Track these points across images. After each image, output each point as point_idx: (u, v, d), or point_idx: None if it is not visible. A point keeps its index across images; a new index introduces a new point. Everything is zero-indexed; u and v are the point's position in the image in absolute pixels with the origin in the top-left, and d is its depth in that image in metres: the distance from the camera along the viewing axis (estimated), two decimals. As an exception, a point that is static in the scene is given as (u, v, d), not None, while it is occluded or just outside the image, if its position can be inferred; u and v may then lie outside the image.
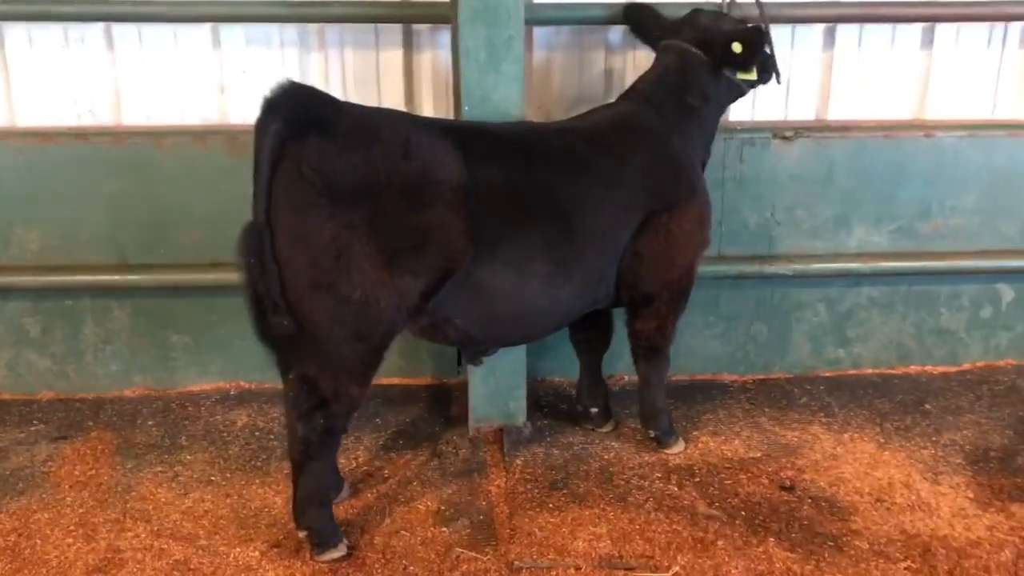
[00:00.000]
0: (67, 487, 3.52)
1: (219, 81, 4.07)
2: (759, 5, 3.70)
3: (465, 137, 2.99)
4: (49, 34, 3.96)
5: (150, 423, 4.00)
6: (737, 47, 3.41)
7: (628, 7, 3.75)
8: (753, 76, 3.50)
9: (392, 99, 4.14)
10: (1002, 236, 4.28)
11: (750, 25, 3.51)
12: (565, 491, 3.50)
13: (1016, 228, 4.28)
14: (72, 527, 3.28)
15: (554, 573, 3.04)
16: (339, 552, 3.09)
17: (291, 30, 4.03)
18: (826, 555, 3.13)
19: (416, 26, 4.07)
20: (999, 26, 4.25)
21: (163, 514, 3.36)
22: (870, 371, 4.48)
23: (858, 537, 3.24)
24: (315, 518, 3.07)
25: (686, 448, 3.81)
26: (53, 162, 3.90)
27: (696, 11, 3.62)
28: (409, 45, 4.11)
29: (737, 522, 3.32)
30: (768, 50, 3.58)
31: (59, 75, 4.00)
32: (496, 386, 3.86)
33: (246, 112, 4.09)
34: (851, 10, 4.10)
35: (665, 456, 3.76)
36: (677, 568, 3.07)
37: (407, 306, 2.90)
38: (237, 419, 4.02)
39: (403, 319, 2.93)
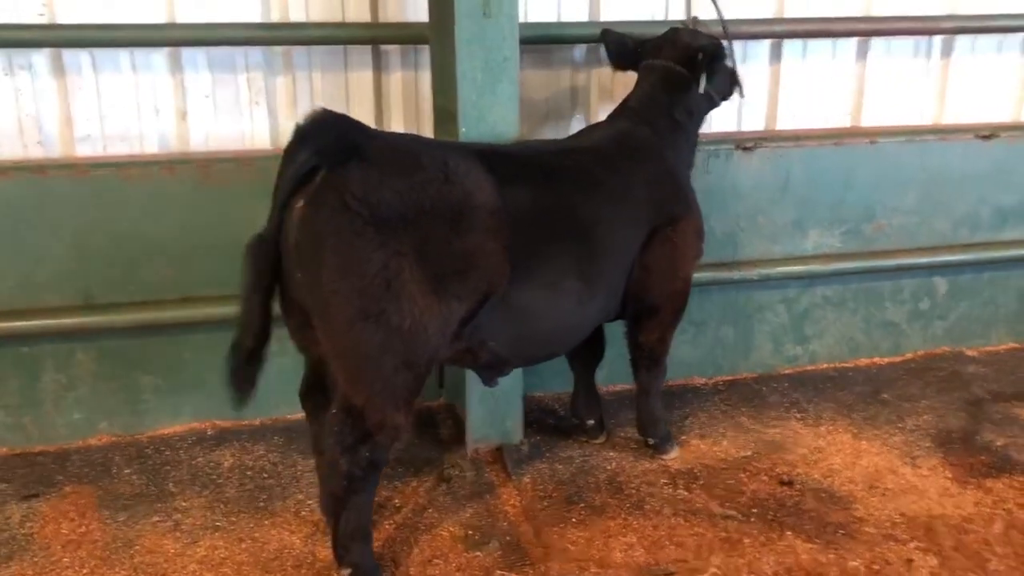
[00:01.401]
0: (59, 548, 3.32)
1: (180, 107, 3.95)
2: (722, 22, 3.93)
3: (492, 160, 3.05)
4: (-9, 61, 3.74)
5: (127, 471, 3.82)
6: (699, 56, 3.62)
7: (605, 31, 3.89)
8: (708, 88, 3.69)
9: (363, 119, 4.07)
10: (936, 233, 4.69)
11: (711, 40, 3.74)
12: (582, 505, 3.60)
13: (948, 225, 4.70)
14: (82, 590, 3.12)
15: (597, 586, 3.15)
16: (376, 586, 3.07)
17: (256, 53, 3.96)
18: (842, 543, 3.36)
19: (384, 47, 4.08)
20: (924, 39, 4.66)
21: (178, 566, 3.23)
22: (825, 366, 4.80)
23: (864, 523, 3.49)
24: (359, 554, 3.04)
25: (680, 453, 3.99)
26: (8, 198, 3.67)
27: (675, 30, 3.81)
28: (379, 66, 4.11)
29: (752, 519, 3.51)
30: (731, 64, 3.82)
31: (2, 105, 3.77)
32: (494, 406, 3.91)
33: (209, 139, 3.99)
34: (795, 26, 4.42)
35: (664, 462, 3.92)
36: (714, 569, 3.22)
37: (450, 331, 2.93)
38: (222, 460, 3.89)
39: (445, 345, 2.96)
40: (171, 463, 3.88)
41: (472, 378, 3.81)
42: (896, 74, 4.68)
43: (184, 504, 3.60)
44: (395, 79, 4.13)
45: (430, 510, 3.58)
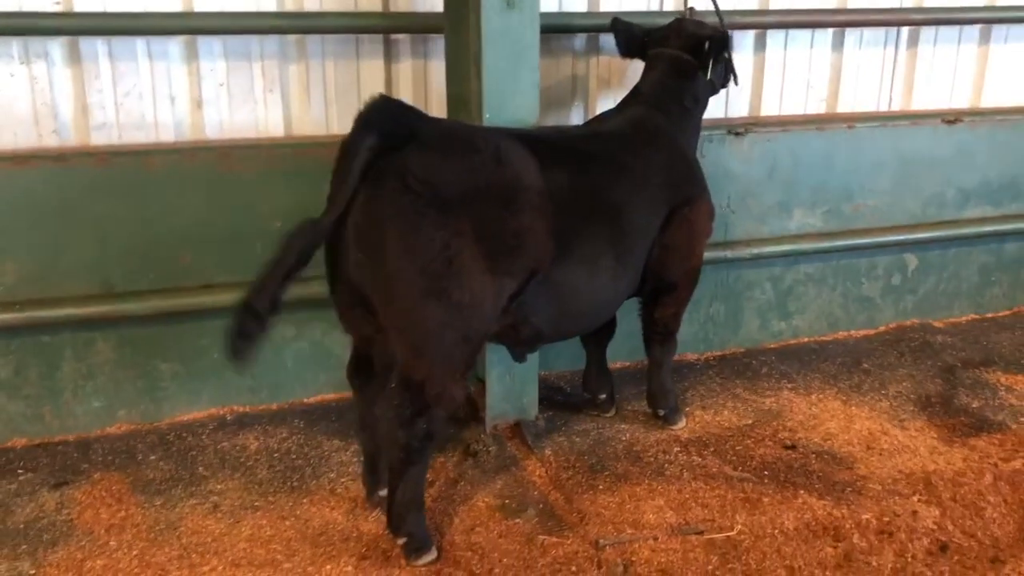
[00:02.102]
0: (103, 532, 3.38)
1: (196, 95, 4.01)
2: (718, 12, 4.18)
3: (532, 144, 3.22)
4: (7, 49, 3.73)
5: (153, 457, 3.88)
6: (707, 45, 3.85)
7: (615, 20, 4.09)
8: (711, 77, 3.94)
9: (373, 109, 4.24)
10: (908, 212, 5.04)
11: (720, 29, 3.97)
12: (606, 473, 3.81)
13: (918, 204, 5.05)
14: (137, 570, 3.18)
15: (636, 545, 3.35)
16: (432, 555, 3.22)
17: (271, 41, 4.04)
18: (851, 499, 3.64)
19: (394, 36, 4.21)
20: (892, 30, 5.00)
21: (227, 544, 3.32)
22: (807, 340, 5.10)
23: (869, 480, 3.78)
24: (414, 523, 3.18)
25: (687, 423, 4.23)
26: (28, 187, 3.69)
27: (680, 20, 4.04)
28: (389, 55, 4.23)
29: (766, 481, 3.77)
30: (727, 55, 4.06)
31: (19, 94, 3.78)
32: (511, 384, 4.08)
33: (224, 127, 4.06)
34: (778, 18, 4.70)
35: (674, 432, 4.15)
36: (740, 526, 3.46)
37: (500, 307, 3.10)
38: (247, 444, 3.98)
39: (496, 319, 3.12)
40: (196, 448, 3.95)
41: (491, 359, 3.99)
42: (868, 63, 5.01)
43: (219, 487, 3.68)
44: (405, 68, 4.25)
45: (462, 483, 3.74)
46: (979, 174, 5.12)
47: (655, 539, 3.38)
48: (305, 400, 4.31)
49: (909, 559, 3.32)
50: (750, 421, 4.27)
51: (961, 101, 5.25)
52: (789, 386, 4.61)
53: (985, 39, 5.19)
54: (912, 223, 5.04)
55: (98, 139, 3.91)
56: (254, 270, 3.93)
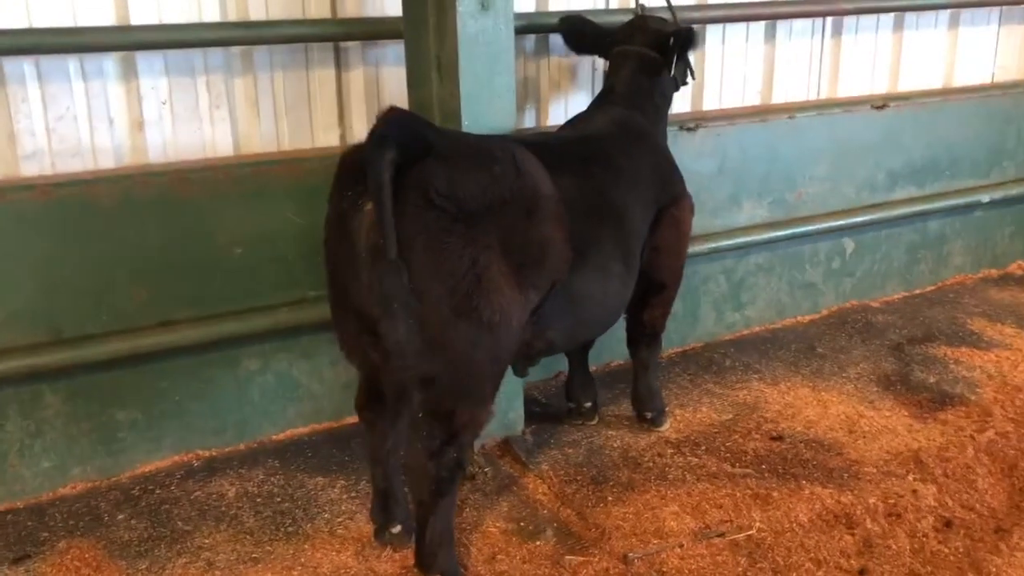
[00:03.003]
0: (90, 607, 3.07)
1: (136, 116, 3.69)
2: (671, 8, 4.19)
3: (536, 150, 3.12)
4: (-82, 74, 3.34)
5: (121, 516, 3.55)
6: (672, 41, 3.85)
7: (564, 18, 4.04)
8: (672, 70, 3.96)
9: (325, 119, 4.04)
10: (844, 197, 5.22)
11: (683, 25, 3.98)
12: (611, 483, 3.75)
13: (853, 189, 5.24)
14: (145, 646, 2.90)
15: (664, 555, 3.31)
16: (462, 588, 3.09)
17: (215, 54, 3.77)
18: (851, 484, 3.72)
19: (344, 44, 4.01)
20: (819, 20, 5.16)
21: (236, 604, 3.08)
22: (759, 329, 5.21)
23: (862, 464, 3.88)
24: (445, 560, 3.04)
25: (670, 423, 4.23)
26: (-40, 229, 3.31)
27: (643, 17, 4.02)
28: (339, 64, 4.03)
29: (767, 474, 3.81)
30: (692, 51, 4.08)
31: (-66, 123, 3.39)
32: (498, 400, 3.95)
33: (168, 149, 3.76)
34: (721, 12, 4.77)
35: (661, 433, 4.14)
36: (758, 524, 3.48)
37: (524, 321, 2.99)
38: (223, 491, 3.70)
39: (520, 335, 3.01)
40: (168, 501, 3.64)
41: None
42: (798, 53, 5.15)
43: (206, 541, 3.41)
44: (356, 76, 4.06)
45: (467, 509, 3.59)
46: (904, 156, 5.36)
47: (681, 546, 3.35)
48: (274, 437, 4.06)
49: (922, 538, 3.43)
50: (730, 416, 4.31)
51: (880, 86, 5.48)
52: (756, 377, 4.69)
53: (899, 26, 5.43)
54: (849, 208, 5.22)
55: (28, 169, 3.54)
56: (214, 302, 3.71)
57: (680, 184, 3.79)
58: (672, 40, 3.85)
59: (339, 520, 3.53)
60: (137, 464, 3.80)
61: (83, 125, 3.60)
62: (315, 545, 3.38)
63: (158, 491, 3.71)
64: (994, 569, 3.24)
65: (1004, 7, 5.73)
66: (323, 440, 4.07)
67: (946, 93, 5.54)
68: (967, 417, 4.25)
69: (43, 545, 3.39)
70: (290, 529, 3.48)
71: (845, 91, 5.34)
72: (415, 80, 3.84)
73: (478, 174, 2.81)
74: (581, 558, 3.30)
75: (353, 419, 4.14)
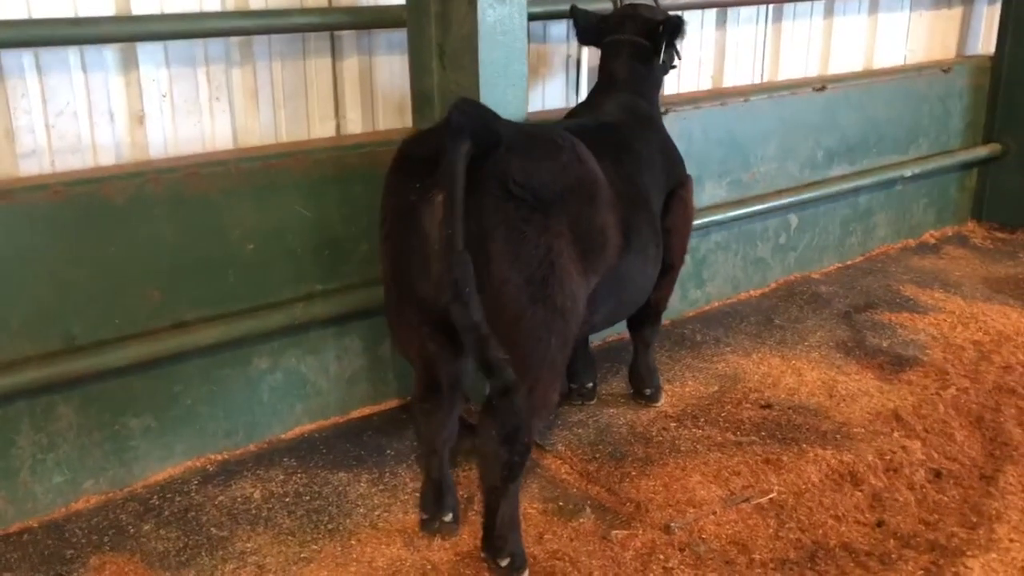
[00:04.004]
0: (151, 621, 3.00)
1: (136, 109, 3.56)
2: (655, -1, 4.39)
3: (582, 138, 3.23)
4: (-89, 69, 3.13)
5: (147, 527, 3.45)
6: (661, 28, 4.02)
7: (574, 8, 4.14)
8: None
9: (322, 109, 4.01)
10: (790, 176, 5.56)
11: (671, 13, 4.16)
12: (630, 458, 3.93)
13: (796, 168, 5.59)
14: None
15: (702, 523, 3.51)
16: (527, 569, 3.18)
17: (216, 44, 3.68)
18: (846, 444, 4.03)
19: (338, 32, 3.98)
20: (763, 7, 5.46)
21: (302, 605, 3.08)
22: (718, 304, 5.49)
23: (849, 425, 4.20)
24: (516, 542, 3.13)
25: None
26: (-31, 234, 3.13)
27: (633, 5, 4.17)
28: (334, 52, 4.00)
29: (768, 441, 4.07)
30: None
31: (-72, 121, 3.18)
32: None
33: (168, 143, 3.66)
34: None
35: (659, 408, 4.34)
36: (777, 487, 3.73)
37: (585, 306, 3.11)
38: (248, 493, 3.65)
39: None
40: (192, 508, 3.56)
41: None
42: (744, 39, 5.44)
43: (249, 545, 3.37)
44: (350, 65, 4.04)
45: (499, 493, 3.69)
46: (839, 135, 5.76)
47: (714, 513, 3.56)
48: (283, 436, 4.02)
49: (921, 490, 3.77)
50: (716, 388, 4.56)
51: (813, 69, 5.85)
52: (728, 350, 4.96)
53: (830, 12, 5.81)
54: (794, 186, 5.57)
55: (27, 168, 3.38)
56: (228, 301, 3.66)
57: (683, 166, 3.99)
58: (662, 28, 4.02)
59: (376, 513, 3.56)
60: (149, 473, 3.69)
61: (83, 120, 3.46)
62: (361, 540, 3.40)
63: (178, 498, 3.62)
64: (994, 512, 3.60)
65: (914, -6, 6.24)
66: (333, 436, 4.06)
67: (873, 75, 5.98)
68: (927, 377, 4.65)
69: (72, 563, 3.26)
70: (330, 526, 3.48)
71: (784, 74, 5.69)
72: (417, 69, 3.87)
73: (550, 163, 2.91)
74: (626, 532, 3.45)
75: (359, 413, 4.24)
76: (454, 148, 2.72)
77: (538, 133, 3.07)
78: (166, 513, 3.54)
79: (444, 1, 3.69)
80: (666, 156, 3.86)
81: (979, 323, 5.24)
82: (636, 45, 4.05)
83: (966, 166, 6.56)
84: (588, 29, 4.14)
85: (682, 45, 4.05)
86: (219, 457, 3.86)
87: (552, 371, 3.00)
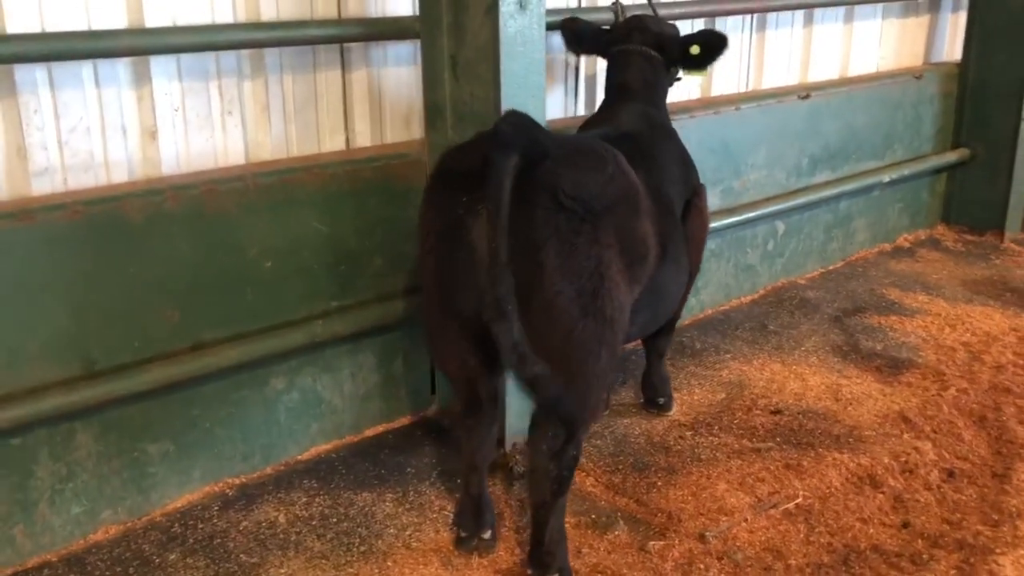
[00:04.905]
0: (193, 654, 2.92)
1: (149, 124, 3.48)
2: (652, 5, 4.45)
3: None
4: (-78, 84, 3.01)
5: (173, 556, 3.37)
6: (695, 49, 4.09)
7: (565, 20, 4.17)
8: (706, 72, 4.22)
9: (332, 122, 3.97)
10: (777, 183, 5.67)
11: (704, 29, 4.21)
12: (653, 468, 3.96)
13: (783, 175, 5.71)
14: None
15: (735, 531, 3.55)
16: (573, 584, 3.19)
17: (228, 57, 3.62)
18: (861, 447, 4.12)
19: (347, 44, 3.95)
20: (748, 17, 5.57)
21: (352, 630, 3.03)
22: (711, 312, 5.57)
23: (860, 428, 4.29)
24: (563, 557, 3.14)
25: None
26: (-13, 255, 3.02)
27: (638, 17, 4.22)
28: (344, 65, 3.96)
29: (785, 446, 4.14)
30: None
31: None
32: (526, 400, 4.05)
33: (180, 159, 3.59)
34: (679, 10, 5.05)
35: (672, 418, 4.38)
36: (803, 492, 3.80)
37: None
38: (272, 518, 3.58)
39: (626, 330, 3.15)
40: (217, 535, 3.48)
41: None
42: (730, 48, 5.52)
43: (282, 571, 3.31)
44: (359, 77, 4.01)
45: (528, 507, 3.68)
46: (823, 142, 5.90)
47: (745, 520, 3.61)
48: (299, 457, 3.95)
49: (938, 489, 3.87)
50: (724, 395, 4.62)
51: (794, 77, 5.99)
52: (729, 356, 5.04)
53: (809, 21, 5.95)
54: (782, 193, 5.69)
55: (40, 187, 3.28)
56: (246, 320, 3.61)
57: (696, 175, 4.04)
58: (697, 42, 4.06)
59: (408, 533, 3.52)
60: (167, 500, 3.60)
61: (96, 136, 3.37)
62: (397, 561, 3.37)
63: (201, 525, 3.54)
64: (1014, 509, 3.71)
65: (884, 3, 6.41)
66: (350, 455, 4.01)
67: (851, 82, 6.14)
68: (925, 379, 4.78)
69: (99, 598, 3.18)
70: (363, 548, 3.44)
71: (768, 83, 5.81)
72: (429, 80, 3.86)
73: (597, 175, 2.93)
74: (663, 542, 3.48)
75: (372, 431, 4.20)
76: (503, 161, 2.72)
77: (583, 144, 3.10)
78: (190, 541, 3.45)
79: (457, 12, 3.69)
80: (683, 166, 3.92)
81: (965, 324, 5.41)
82: (646, 55, 4.10)
83: (937, 171, 6.77)
84: (585, 39, 4.18)
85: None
86: (237, 481, 3.78)
87: (601, 383, 3.02)
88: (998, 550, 3.44)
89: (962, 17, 6.77)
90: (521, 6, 3.59)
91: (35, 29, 3.16)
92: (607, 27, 4.27)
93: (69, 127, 3.30)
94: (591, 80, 4.93)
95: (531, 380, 2.91)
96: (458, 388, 3.23)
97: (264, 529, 3.53)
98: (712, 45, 4.06)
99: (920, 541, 3.56)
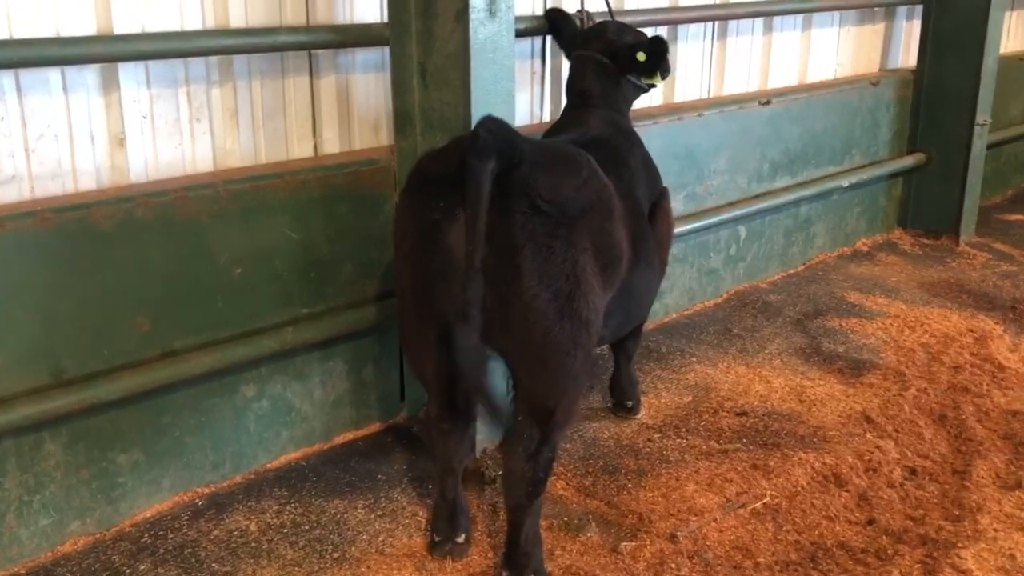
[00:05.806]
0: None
1: (117, 131, 3.50)
2: (610, 11, 4.55)
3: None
4: None
5: (144, 567, 3.37)
6: (641, 56, 4.18)
7: (549, 11, 4.26)
8: (659, 80, 4.31)
9: (300, 128, 4.01)
10: (739, 188, 5.80)
11: (651, 36, 4.32)
12: (623, 471, 4.04)
13: (746, 180, 5.84)
14: None
15: (705, 531, 3.65)
16: (548, 586, 3.26)
17: (196, 63, 3.64)
18: (825, 447, 4.24)
19: (314, 51, 3.99)
20: (709, 24, 5.70)
21: (329, 636, 3.06)
22: (675, 316, 5.68)
23: (824, 428, 4.42)
24: (539, 559, 3.20)
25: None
26: (-46, 266, 3.02)
27: (603, 23, 4.32)
28: (312, 71, 4.00)
29: (751, 447, 4.25)
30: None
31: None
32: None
33: (148, 166, 3.60)
34: (645, 17, 5.15)
35: (639, 421, 4.47)
36: (771, 491, 3.90)
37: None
38: (243, 526, 3.60)
39: (598, 333, 3.23)
40: (187, 544, 3.50)
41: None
42: (693, 55, 5.66)
43: (255, 580, 3.34)
44: (327, 83, 4.06)
45: (502, 513, 3.73)
46: (783, 147, 6.05)
47: (715, 520, 3.70)
48: (269, 465, 3.97)
49: (901, 487, 4.00)
50: (690, 398, 4.72)
51: (754, 84, 6.13)
52: (694, 360, 5.14)
53: (769, 29, 6.10)
54: (743, 198, 5.82)
55: (6, 196, 3.28)
56: (217, 327, 3.63)
57: (660, 178, 4.14)
58: (637, 48, 4.16)
59: (380, 539, 3.56)
60: (137, 510, 3.60)
61: (63, 144, 3.37)
62: (371, 567, 3.41)
63: (171, 535, 3.55)
64: (974, 505, 3.85)
65: (841, 11, 6.58)
66: (320, 463, 4.04)
67: (810, 88, 6.30)
68: (886, 379, 4.93)
69: (72, 610, 3.18)
70: (336, 555, 3.47)
71: (729, 89, 5.94)
72: (398, 87, 3.91)
73: (573, 179, 3.01)
74: (635, 543, 3.56)
75: (342, 438, 4.24)
76: (481, 166, 2.78)
77: (558, 150, 3.18)
78: (160, 552, 3.46)
79: (427, 19, 3.75)
80: (648, 170, 4.01)
81: (924, 326, 5.58)
82: (600, 63, 4.17)
83: (893, 175, 6.96)
84: (562, 36, 4.28)
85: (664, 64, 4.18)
86: (207, 490, 3.79)
87: (577, 386, 3.10)
88: (960, 544, 3.56)
89: (916, 25, 6.98)
90: (491, 13, 3.66)
91: (2, 35, 3.16)
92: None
93: (36, 134, 3.31)
94: (557, 87, 5.01)
95: (479, 390, 2.97)
96: (434, 392, 3.28)
97: (236, 538, 3.55)
98: (656, 50, 4.14)
99: (885, 537, 3.68)
